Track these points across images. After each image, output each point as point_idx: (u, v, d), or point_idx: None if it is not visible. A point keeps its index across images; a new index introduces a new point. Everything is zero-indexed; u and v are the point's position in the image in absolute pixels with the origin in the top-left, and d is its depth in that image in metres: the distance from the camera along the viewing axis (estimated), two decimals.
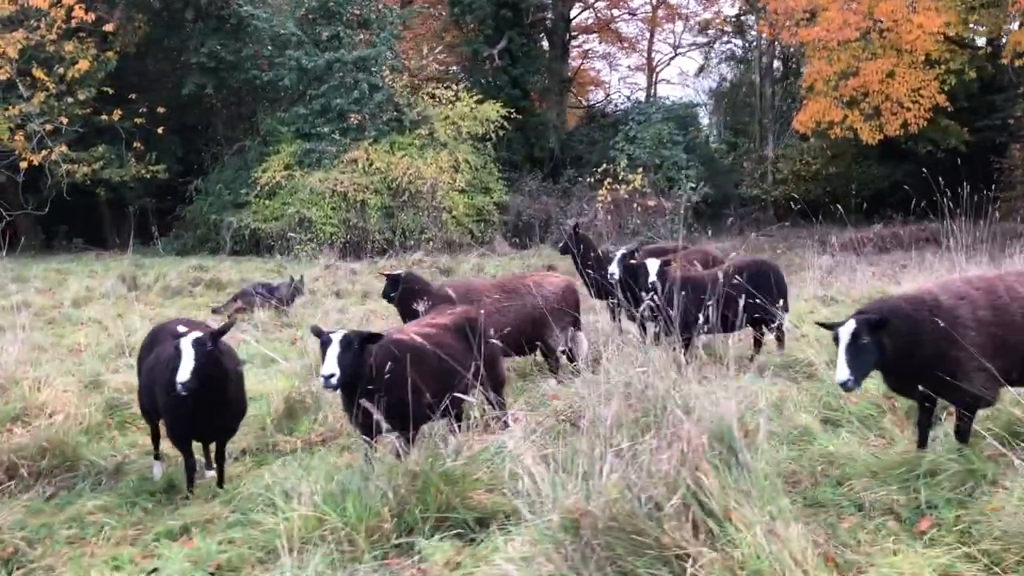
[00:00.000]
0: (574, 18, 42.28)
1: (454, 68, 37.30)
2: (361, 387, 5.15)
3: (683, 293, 7.37)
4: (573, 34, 43.47)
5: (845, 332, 4.83)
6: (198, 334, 5.39)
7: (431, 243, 25.56)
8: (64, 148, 25.83)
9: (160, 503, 5.71)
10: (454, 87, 29.32)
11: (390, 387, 5.11)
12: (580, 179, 31.14)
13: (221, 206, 27.78)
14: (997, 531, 3.94)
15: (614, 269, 8.78)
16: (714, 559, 3.48)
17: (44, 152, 25.36)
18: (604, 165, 29.18)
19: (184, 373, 5.18)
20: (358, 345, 5.15)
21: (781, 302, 8.30)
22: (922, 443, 5.22)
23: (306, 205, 25.76)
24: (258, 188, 26.93)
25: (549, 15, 38.88)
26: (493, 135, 28.91)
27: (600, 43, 47.85)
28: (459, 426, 5.95)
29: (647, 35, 47.27)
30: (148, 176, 28.42)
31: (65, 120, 25.41)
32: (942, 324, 4.76)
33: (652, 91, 46.94)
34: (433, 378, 5.35)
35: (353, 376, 5.14)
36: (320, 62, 27.49)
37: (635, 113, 33.63)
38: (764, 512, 3.78)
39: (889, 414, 5.94)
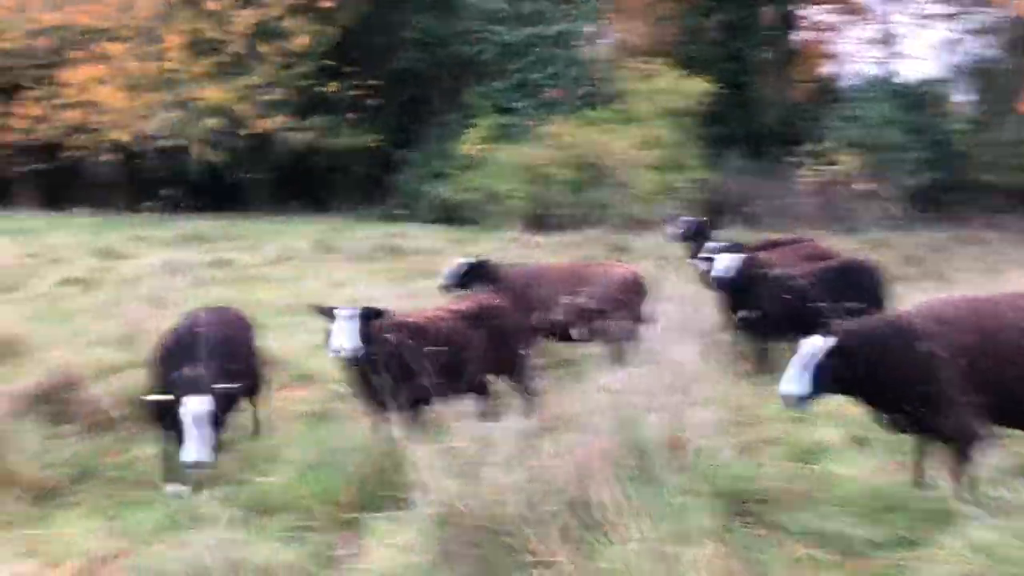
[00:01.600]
0: None
1: (668, 41, 36.54)
2: (363, 363, 5.43)
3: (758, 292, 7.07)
4: (800, 4, 41.15)
5: (809, 346, 4.49)
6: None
7: (616, 219, 25.44)
8: (284, 117, 28.20)
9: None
10: (656, 61, 28.88)
11: (387, 366, 5.34)
12: (789, 158, 29.70)
13: (423, 176, 29.18)
14: None
15: (702, 263, 8.51)
16: (571, 571, 3.45)
17: (268, 121, 27.87)
18: (810, 145, 27.70)
19: None
20: (365, 321, 5.43)
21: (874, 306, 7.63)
22: (918, 476, 4.75)
23: (498, 178, 26.50)
24: (457, 160, 28.02)
25: None
26: (697, 110, 28.24)
27: (832, 14, 44.94)
28: (486, 409, 6.10)
29: (885, 5, 43.89)
30: (363, 145, 30.40)
31: (287, 92, 27.66)
32: (921, 352, 4.29)
33: (891, 66, 43.63)
34: (434, 361, 5.51)
35: (359, 351, 5.42)
36: (521, 37, 28.04)
37: (854, 91, 31.54)
38: (662, 530, 3.67)
39: None
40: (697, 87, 28.08)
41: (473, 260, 8.53)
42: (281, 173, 31.36)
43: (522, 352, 6.15)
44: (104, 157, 28.51)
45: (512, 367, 6.06)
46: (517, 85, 28.22)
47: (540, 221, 25.65)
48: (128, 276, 15.94)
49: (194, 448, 4.95)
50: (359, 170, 32.26)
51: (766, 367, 7.40)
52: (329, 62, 29.19)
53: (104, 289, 14.77)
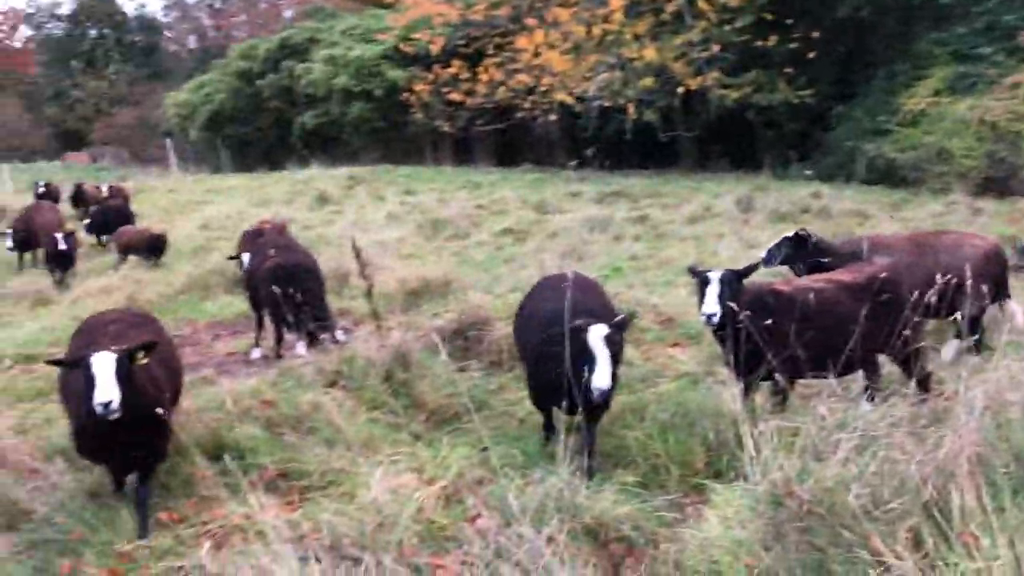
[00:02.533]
0: None
1: None
2: (730, 327, 5.27)
3: None
4: None
5: None
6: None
7: None
8: (718, 74, 28.00)
9: None
10: None
11: (753, 333, 5.12)
12: None
13: (859, 133, 27.23)
14: None
15: None
16: None
17: (700, 78, 27.90)
18: None
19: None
20: (734, 284, 5.28)
21: None
22: None
23: (950, 135, 23.79)
24: (900, 115, 25.70)
25: None
26: None
27: None
28: (874, 387, 5.62)
29: None
30: (796, 101, 29.14)
31: (719, 47, 27.40)
32: None
33: None
34: (807, 333, 5.15)
35: (716, 316, 5.28)
36: None
37: None
38: None
39: None
40: None
41: (792, 234, 7.81)
42: (711, 131, 31.32)
43: (914, 330, 5.49)
44: (548, 117, 30.77)
45: (900, 346, 5.45)
46: (984, 28, 24.92)
47: (998, 185, 22.55)
48: (555, 229, 17.18)
49: (604, 373, 4.68)
50: (791, 126, 31.02)
51: None
52: (767, 15, 28.27)
53: (533, 240, 16.11)
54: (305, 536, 4.03)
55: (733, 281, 5.34)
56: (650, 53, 27.53)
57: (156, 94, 55.76)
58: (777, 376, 5.16)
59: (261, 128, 43.31)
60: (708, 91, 28.35)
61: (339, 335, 7.56)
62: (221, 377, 7.50)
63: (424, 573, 3.80)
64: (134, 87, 60.80)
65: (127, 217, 17.86)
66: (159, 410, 4.71)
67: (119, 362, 4.54)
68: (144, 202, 24.55)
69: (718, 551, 3.52)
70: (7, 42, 71.79)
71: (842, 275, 5.72)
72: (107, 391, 4.42)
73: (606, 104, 28.61)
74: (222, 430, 5.58)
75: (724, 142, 32.31)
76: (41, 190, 21.23)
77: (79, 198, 21.40)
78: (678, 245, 16.09)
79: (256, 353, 8.86)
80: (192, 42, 71.20)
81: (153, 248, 14.90)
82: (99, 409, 4.41)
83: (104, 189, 21.71)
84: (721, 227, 18.12)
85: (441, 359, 6.78)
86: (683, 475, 4.72)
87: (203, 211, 22.17)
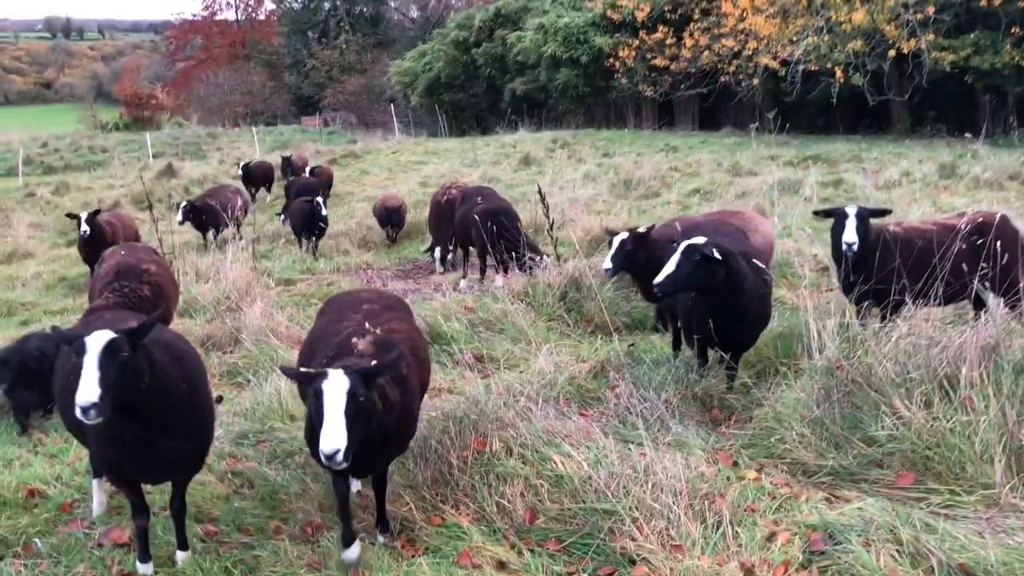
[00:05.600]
0: None
1: None
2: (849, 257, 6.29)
3: None
4: None
5: None
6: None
7: None
8: (933, 36, 27.05)
9: None
10: None
11: (873, 268, 6.11)
12: None
13: None
14: None
15: None
16: (919, 425, 4.17)
17: (914, 40, 27.06)
18: None
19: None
20: (861, 220, 6.31)
21: None
22: None
23: None
24: None
25: None
26: None
27: None
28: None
29: None
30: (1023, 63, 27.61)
31: (932, 10, 26.48)
32: None
33: None
34: (916, 269, 6.05)
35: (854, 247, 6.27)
36: None
37: None
38: None
39: None
40: None
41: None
42: (925, 95, 30.27)
43: (1014, 269, 6.20)
44: (752, 82, 30.91)
45: (1000, 283, 6.20)
46: None
47: None
48: (744, 190, 17.89)
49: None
50: (1016, 91, 29.42)
51: None
52: None
53: (719, 200, 16.95)
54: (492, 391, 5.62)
55: (861, 217, 6.35)
56: (860, 16, 27.06)
57: (380, 62, 60.03)
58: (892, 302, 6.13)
59: (475, 94, 45.93)
60: (922, 54, 27.46)
61: (541, 259, 9.12)
62: (436, 295, 9.31)
63: (573, 419, 5.26)
64: (361, 56, 65.41)
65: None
66: None
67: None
68: (372, 162, 27.45)
69: (782, 407, 4.76)
70: (253, 15, 79.30)
71: (952, 219, 6.53)
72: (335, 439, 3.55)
73: (812, 68, 28.41)
74: (437, 325, 7.29)
75: (940, 107, 31.12)
76: (239, 173, 21.82)
77: (287, 168, 22.62)
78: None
79: (463, 284, 10.65)
80: (414, 12, 75.31)
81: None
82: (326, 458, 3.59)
83: (307, 171, 21.84)
84: (920, 193, 18.05)
85: (608, 289, 8.25)
86: (785, 371, 5.87)
87: (422, 170, 24.55)
